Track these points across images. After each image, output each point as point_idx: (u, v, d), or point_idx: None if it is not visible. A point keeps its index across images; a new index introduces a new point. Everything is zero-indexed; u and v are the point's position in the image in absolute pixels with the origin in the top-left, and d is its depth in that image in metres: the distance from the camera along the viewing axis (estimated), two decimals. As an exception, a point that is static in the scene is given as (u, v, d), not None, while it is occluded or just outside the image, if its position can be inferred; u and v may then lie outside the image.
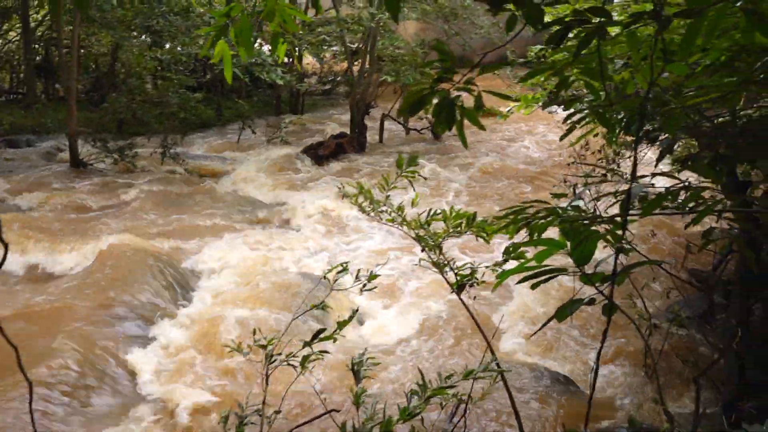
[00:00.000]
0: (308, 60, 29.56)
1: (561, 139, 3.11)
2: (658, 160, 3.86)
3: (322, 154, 14.81)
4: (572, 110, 2.89)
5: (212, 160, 15.08)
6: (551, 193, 2.65)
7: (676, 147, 5.57)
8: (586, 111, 2.79)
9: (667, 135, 4.17)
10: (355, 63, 18.43)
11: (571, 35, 2.34)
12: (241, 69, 14.03)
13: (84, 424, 4.62)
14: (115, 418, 4.75)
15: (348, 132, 16.03)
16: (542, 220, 2.55)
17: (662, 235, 7.64)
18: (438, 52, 2.17)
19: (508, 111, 4.61)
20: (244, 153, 16.06)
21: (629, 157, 7.13)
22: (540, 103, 5.30)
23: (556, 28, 2.23)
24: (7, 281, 7.73)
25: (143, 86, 15.20)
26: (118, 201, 11.02)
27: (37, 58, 23.06)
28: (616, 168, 6.64)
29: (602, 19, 2.19)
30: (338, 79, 26.71)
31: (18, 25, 22.69)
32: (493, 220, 3.76)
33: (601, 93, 2.47)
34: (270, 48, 15.14)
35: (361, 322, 6.54)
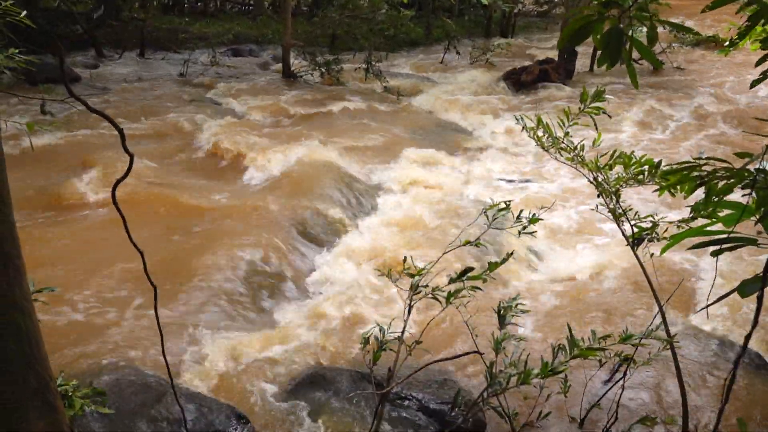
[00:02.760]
0: (527, -21, 28.14)
1: (752, 85, 2.55)
2: None
3: (524, 80, 14.16)
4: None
5: (413, 78, 15.12)
6: (735, 153, 2.20)
7: None
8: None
9: None
10: (574, -17, 17.17)
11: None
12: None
13: (245, 314, 5.00)
14: (270, 317, 5.08)
15: (556, 58, 15.12)
16: (725, 181, 2.13)
17: None
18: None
19: (728, 45, 3.91)
20: (446, 74, 15.90)
21: None
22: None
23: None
24: (224, 175, 8.51)
25: (355, 1, 15.48)
26: (318, 113, 11.50)
27: (267, -30, 24.43)
28: None
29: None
30: (555, 0, 25.16)
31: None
32: (659, 179, 3.30)
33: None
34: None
35: (533, 254, 6.28)
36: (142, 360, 4.10)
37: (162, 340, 2.28)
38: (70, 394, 2.81)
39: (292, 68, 14.60)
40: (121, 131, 1.82)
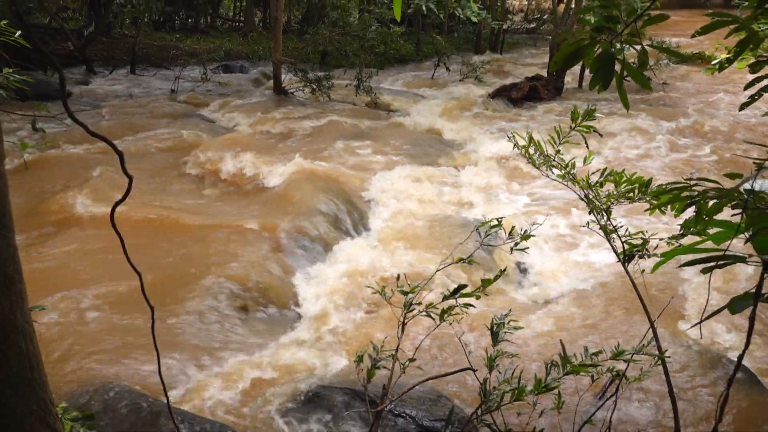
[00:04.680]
0: (516, -4, 28.48)
1: (741, 108, 2.61)
2: None
3: (514, 96, 14.29)
4: (757, 75, 2.39)
5: (403, 95, 15.22)
6: (725, 174, 2.24)
7: None
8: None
9: None
10: (562, 1, 17.41)
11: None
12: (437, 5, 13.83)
13: (237, 335, 4.97)
14: (264, 337, 5.05)
15: (545, 75, 15.28)
16: (714, 200, 2.17)
17: None
18: (598, -4, 1.86)
19: (715, 65, 3.98)
20: (436, 90, 16.01)
21: None
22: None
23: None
24: (217, 193, 8.51)
25: (346, 18, 15.60)
26: (309, 130, 11.55)
27: (257, -13, 24.57)
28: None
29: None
30: (544, 17, 25.46)
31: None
32: (651, 198, 3.35)
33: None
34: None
35: (523, 271, 6.31)
36: (134, 380, 4.08)
37: (158, 360, 2.28)
38: (60, 416, 2.80)
39: (284, 85, 14.65)
40: (120, 154, 1.84)
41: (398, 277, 3.50)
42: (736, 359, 4.56)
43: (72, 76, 15.82)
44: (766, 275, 2.34)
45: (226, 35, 23.27)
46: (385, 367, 3.28)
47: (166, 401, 2.76)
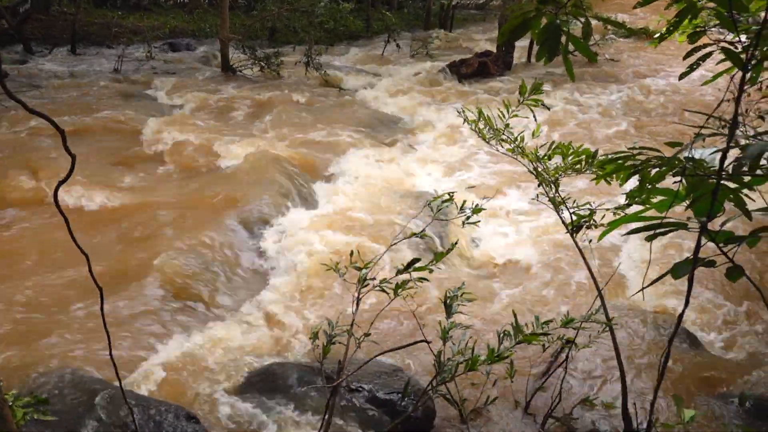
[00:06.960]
0: (463, -29, 28.45)
1: (680, 77, 2.70)
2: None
3: (464, 72, 14.35)
4: (696, 45, 2.47)
5: (354, 72, 15.13)
6: (666, 143, 2.31)
7: None
8: (711, 47, 2.37)
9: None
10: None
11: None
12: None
13: (190, 315, 4.92)
14: (217, 316, 5.01)
15: (494, 50, 15.37)
16: (656, 169, 2.23)
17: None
18: (542, -32, 1.88)
19: (658, 37, 4.08)
20: (387, 67, 15.96)
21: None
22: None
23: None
24: (166, 174, 8.33)
25: (295, -6, 15.37)
26: (259, 108, 11.38)
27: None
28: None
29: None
30: (493, -8, 25.58)
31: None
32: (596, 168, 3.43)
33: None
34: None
35: (476, 245, 6.40)
36: (85, 363, 4.00)
37: (109, 342, 2.25)
38: (11, 404, 2.74)
39: (232, 63, 14.38)
40: (62, 132, 1.79)
41: (351, 253, 3.51)
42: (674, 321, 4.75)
43: (8, 56, 15.17)
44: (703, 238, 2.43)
45: (170, 12, 22.65)
46: (340, 343, 3.30)
47: (119, 385, 2.73)
